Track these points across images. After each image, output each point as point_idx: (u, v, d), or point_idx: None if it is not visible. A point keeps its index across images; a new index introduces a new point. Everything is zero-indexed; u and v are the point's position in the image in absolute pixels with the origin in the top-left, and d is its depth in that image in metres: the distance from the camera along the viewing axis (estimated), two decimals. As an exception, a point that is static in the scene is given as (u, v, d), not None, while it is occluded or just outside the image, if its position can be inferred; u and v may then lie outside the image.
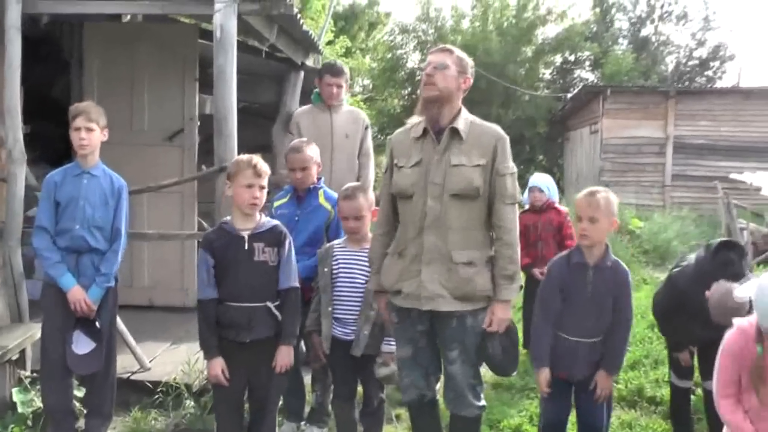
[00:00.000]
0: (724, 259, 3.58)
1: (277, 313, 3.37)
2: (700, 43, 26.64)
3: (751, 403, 2.72)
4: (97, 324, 3.72)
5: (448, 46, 3.30)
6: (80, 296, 3.68)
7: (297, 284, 3.48)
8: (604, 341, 3.38)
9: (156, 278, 6.27)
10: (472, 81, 3.27)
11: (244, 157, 3.47)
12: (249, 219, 3.41)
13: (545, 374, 3.37)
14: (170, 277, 6.20)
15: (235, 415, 3.50)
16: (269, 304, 3.36)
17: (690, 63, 26.40)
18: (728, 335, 2.78)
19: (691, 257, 3.90)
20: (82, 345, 3.67)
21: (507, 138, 3.23)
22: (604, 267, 3.34)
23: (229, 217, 3.48)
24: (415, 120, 3.31)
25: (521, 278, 3.23)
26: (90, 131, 3.72)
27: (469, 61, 3.28)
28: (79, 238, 3.72)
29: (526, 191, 5.93)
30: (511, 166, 3.19)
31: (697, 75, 25.70)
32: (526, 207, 5.88)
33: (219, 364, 3.35)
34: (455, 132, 3.16)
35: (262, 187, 3.36)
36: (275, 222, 3.50)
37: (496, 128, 3.25)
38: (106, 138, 3.86)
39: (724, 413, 2.76)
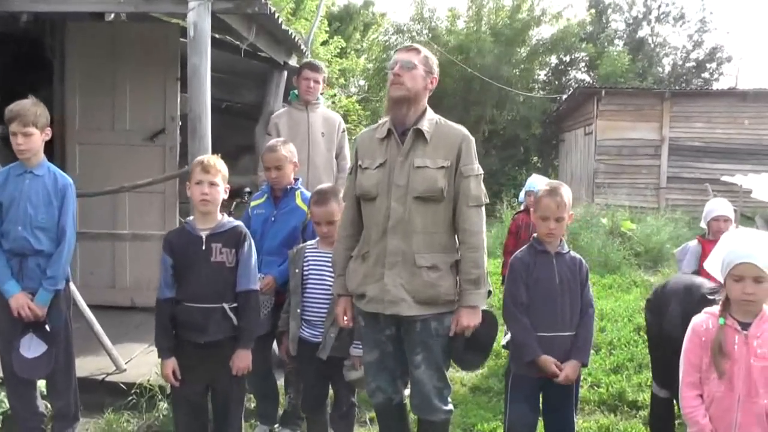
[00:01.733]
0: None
1: (232, 315, 3.34)
2: (697, 45, 26.64)
3: (713, 390, 2.69)
4: (47, 327, 3.64)
5: (415, 45, 3.27)
6: (22, 302, 3.56)
7: (256, 287, 3.45)
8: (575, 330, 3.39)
9: (138, 279, 6.22)
10: (437, 80, 3.24)
11: (199, 156, 3.44)
12: (208, 219, 3.38)
13: (547, 359, 3.28)
14: (152, 278, 6.11)
15: (193, 416, 3.48)
16: (225, 305, 3.33)
17: (687, 65, 26.39)
18: (695, 318, 2.78)
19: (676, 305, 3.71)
20: (33, 348, 3.60)
21: (472, 139, 3.20)
22: (563, 253, 3.44)
23: (191, 217, 3.46)
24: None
25: (489, 283, 3.18)
26: (27, 136, 3.57)
27: (436, 60, 3.25)
28: (22, 239, 3.60)
29: (523, 192, 5.99)
30: (476, 168, 3.15)
31: (693, 77, 25.69)
32: (522, 207, 5.96)
33: (170, 364, 3.35)
34: (419, 133, 3.13)
35: (212, 184, 3.32)
36: (236, 222, 3.47)
37: (461, 129, 3.21)
38: (49, 136, 3.73)
39: (684, 407, 2.74)
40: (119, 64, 6.08)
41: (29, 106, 3.62)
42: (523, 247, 3.54)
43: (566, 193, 3.39)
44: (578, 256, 3.48)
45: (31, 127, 3.57)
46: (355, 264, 3.26)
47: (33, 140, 3.60)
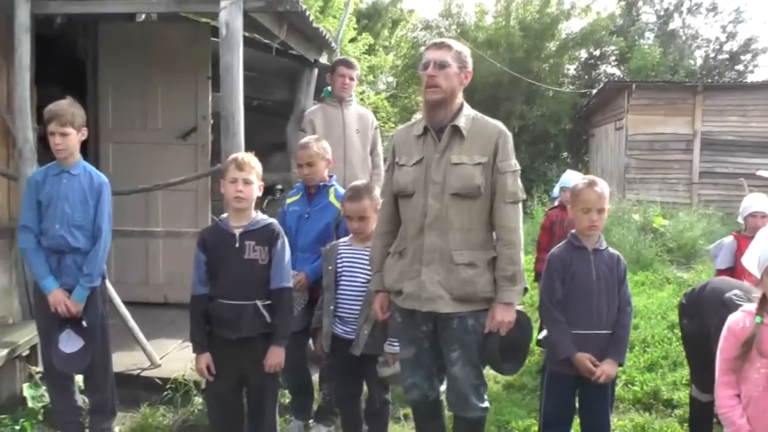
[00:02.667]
0: None
1: (265, 312, 3.35)
2: (731, 36, 26.15)
3: (750, 390, 2.65)
4: (83, 323, 3.70)
5: (446, 40, 3.21)
6: (60, 298, 3.62)
7: (290, 285, 3.46)
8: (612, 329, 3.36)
9: (170, 275, 6.29)
10: (471, 73, 3.20)
11: (233, 154, 3.47)
12: (242, 216, 3.39)
13: (583, 356, 3.26)
14: (184, 275, 6.16)
15: (227, 411, 3.51)
16: (258, 303, 3.34)
17: (720, 57, 25.91)
18: (731, 317, 2.74)
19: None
20: (71, 344, 3.65)
21: (509, 134, 3.17)
22: (601, 250, 3.41)
23: (225, 214, 3.48)
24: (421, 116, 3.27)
25: (525, 280, 3.15)
26: (64, 135, 3.62)
27: (468, 52, 3.21)
28: (59, 237, 3.66)
29: (557, 187, 5.92)
30: (513, 164, 3.12)
31: (727, 69, 25.20)
32: (556, 203, 5.86)
33: (204, 359, 3.39)
34: (456, 130, 3.11)
35: (246, 182, 3.33)
36: (270, 220, 3.48)
37: (498, 124, 3.19)
38: (86, 136, 3.79)
39: (720, 406, 2.70)
40: (151, 63, 6.13)
41: (66, 106, 3.67)
42: (561, 243, 3.52)
43: (605, 185, 3.40)
44: (616, 252, 3.45)
45: (68, 127, 3.63)
46: (392, 260, 3.25)
47: (70, 140, 3.66)
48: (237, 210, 3.38)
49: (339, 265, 3.67)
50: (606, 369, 3.28)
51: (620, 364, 3.40)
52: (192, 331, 3.46)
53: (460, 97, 3.19)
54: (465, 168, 3.07)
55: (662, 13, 26.53)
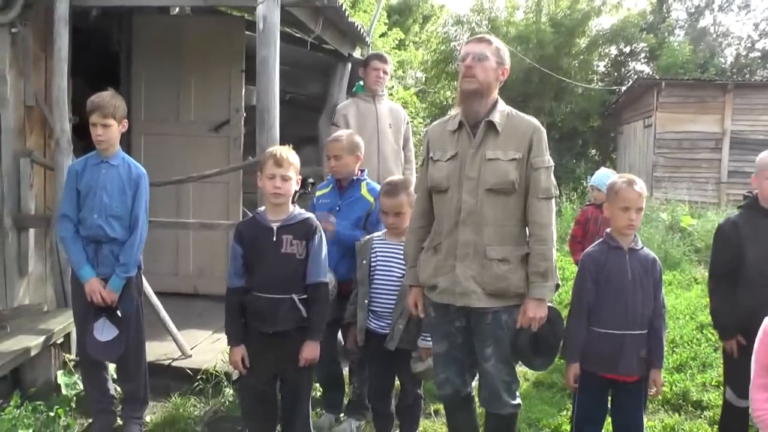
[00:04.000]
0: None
1: (301, 306, 3.35)
2: (764, 34, 25.71)
3: None
4: (118, 312, 3.74)
5: (487, 35, 3.23)
6: (96, 287, 3.67)
7: (326, 279, 3.46)
8: (648, 335, 3.34)
9: (201, 267, 6.36)
10: (508, 71, 3.21)
11: (272, 148, 3.48)
12: (279, 210, 3.40)
13: (575, 369, 3.35)
14: (215, 266, 6.28)
15: (260, 403, 3.53)
16: (295, 296, 3.34)
17: (751, 55, 25.49)
18: (766, 319, 2.71)
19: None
20: (106, 332, 3.70)
21: (543, 130, 3.16)
22: (636, 249, 3.39)
23: (262, 208, 3.49)
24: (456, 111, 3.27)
25: (557, 276, 3.14)
26: (106, 127, 3.68)
27: (507, 50, 3.22)
28: (97, 227, 3.70)
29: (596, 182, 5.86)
30: (547, 160, 3.11)
31: (758, 68, 24.76)
32: (592, 200, 5.83)
33: (239, 352, 3.40)
34: (491, 125, 3.11)
35: (285, 178, 3.33)
36: (307, 215, 3.48)
37: (532, 120, 3.18)
38: (126, 128, 3.85)
39: (755, 409, 2.65)
40: (184, 56, 6.20)
41: (108, 98, 3.73)
42: (596, 243, 3.50)
43: (642, 184, 3.38)
44: (652, 254, 3.42)
45: (110, 118, 3.68)
46: (426, 255, 3.26)
47: (111, 131, 3.71)
48: (275, 205, 3.39)
49: (373, 259, 3.68)
50: (655, 379, 3.38)
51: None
52: (227, 323, 3.46)
53: (495, 94, 3.19)
54: (499, 164, 3.07)
55: (693, 10, 26.18)
